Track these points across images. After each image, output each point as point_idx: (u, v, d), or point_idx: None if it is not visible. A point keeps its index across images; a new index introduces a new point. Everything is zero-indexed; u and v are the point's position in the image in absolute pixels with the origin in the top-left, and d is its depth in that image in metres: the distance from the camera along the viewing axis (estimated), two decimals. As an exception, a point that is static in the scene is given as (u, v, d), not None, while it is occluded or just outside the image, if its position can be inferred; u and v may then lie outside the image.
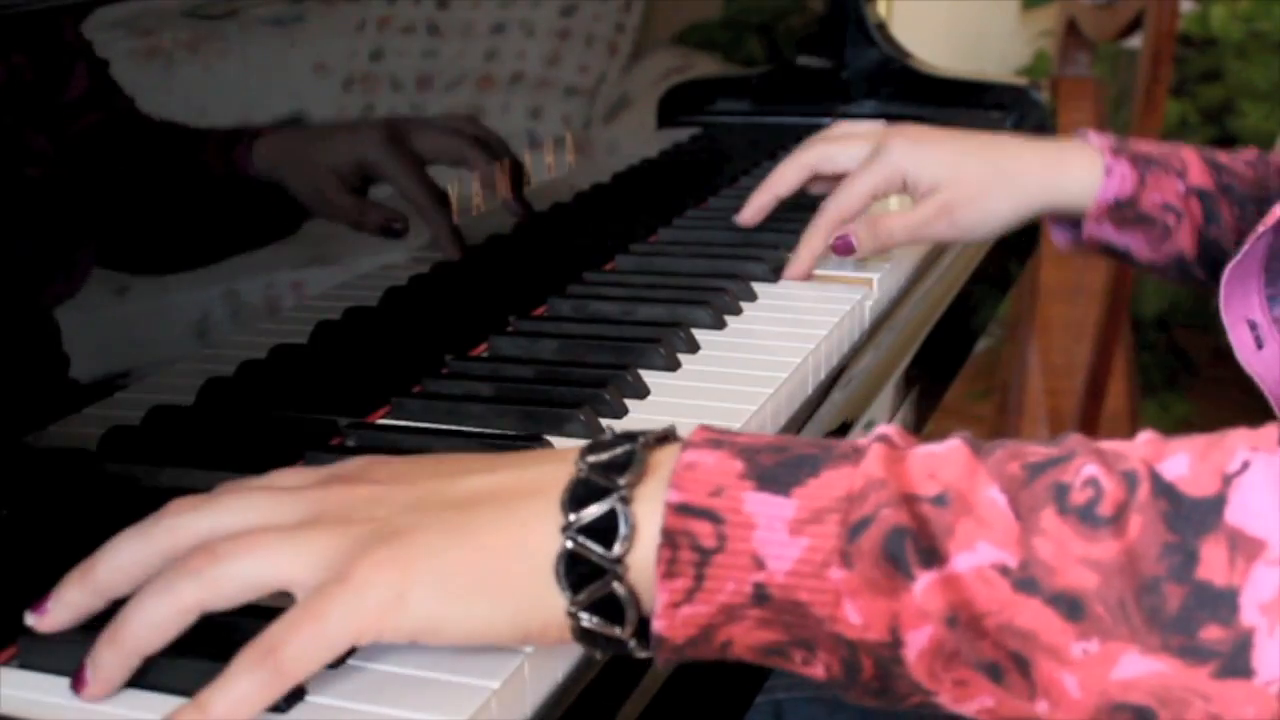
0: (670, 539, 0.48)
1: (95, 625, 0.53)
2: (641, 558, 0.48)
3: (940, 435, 0.51)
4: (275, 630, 0.47)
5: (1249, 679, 0.44)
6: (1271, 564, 0.44)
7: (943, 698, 0.48)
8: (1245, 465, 0.45)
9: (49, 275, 0.60)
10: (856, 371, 0.87)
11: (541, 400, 0.75)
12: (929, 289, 1.03)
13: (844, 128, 1.04)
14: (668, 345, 0.82)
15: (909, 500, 0.47)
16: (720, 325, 0.88)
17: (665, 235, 1.10)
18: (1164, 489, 0.46)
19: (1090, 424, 2.16)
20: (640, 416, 0.75)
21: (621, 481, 0.49)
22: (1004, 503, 0.47)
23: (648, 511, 0.48)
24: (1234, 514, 0.45)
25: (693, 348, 0.84)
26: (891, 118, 1.50)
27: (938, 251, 1.10)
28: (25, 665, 0.54)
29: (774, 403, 0.77)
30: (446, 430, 0.73)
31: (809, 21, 1.49)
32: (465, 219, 0.87)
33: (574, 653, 0.56)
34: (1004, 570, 0.46)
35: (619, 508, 0.48)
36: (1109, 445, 0.48)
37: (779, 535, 0.47)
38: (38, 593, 0.54)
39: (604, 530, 0.48)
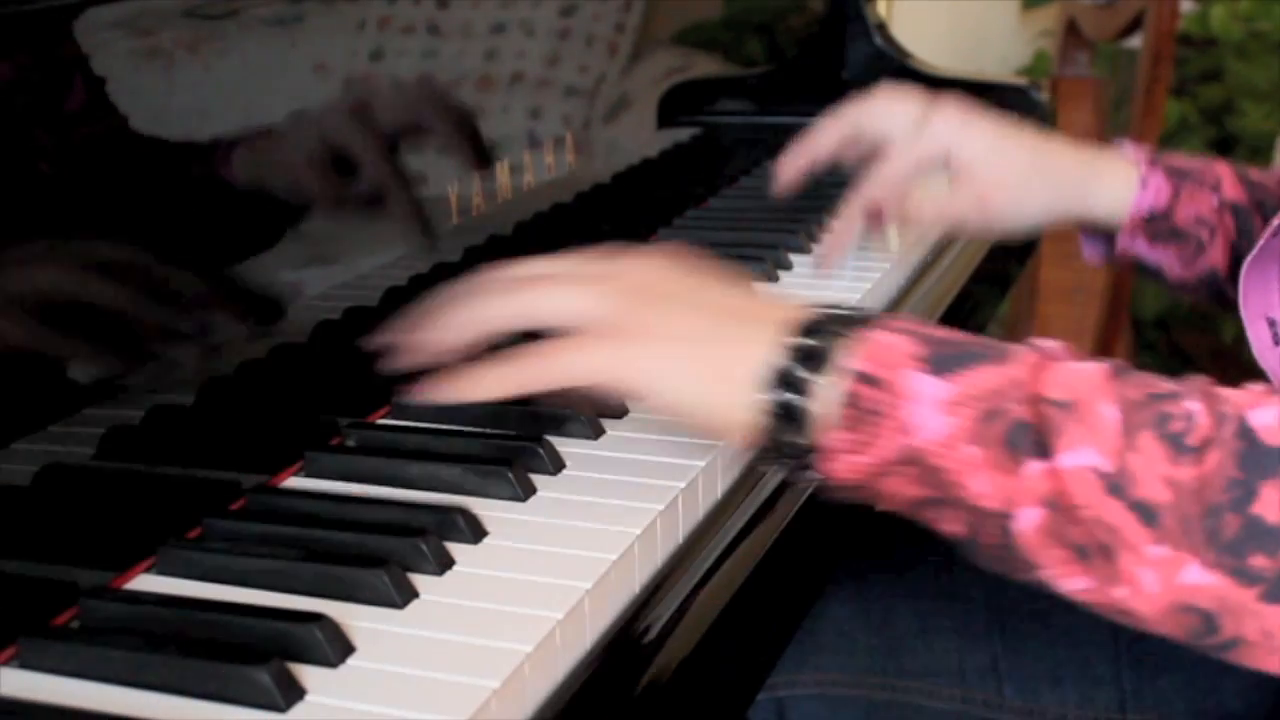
0: (848, 399, 0.57)
1: (96, 629, 0.54)
2: (824, 396, 0.58)
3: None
4: (550, 344, 0.62)
5: None
6: None
7: (1048, 573, 0.56)
8: None
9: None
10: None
11: (543, 400, 0.75)
12: (929, 289, 1.03)
13: (887, 87, 1.00)
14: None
15: (1038, 400, 0.55)
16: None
17: (665, 235, 1.10)
18: (1245, 433, 0.53)
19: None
20: (640, 417, 0.75)
21: (835, 331, 0.58)
22: (1115, 419, 0.54)
23: (843, 367, 0.58)
24: None
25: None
26: (892, 118, 1.50)
27: (937, 252, 1.10)
28: (25, 665, 0.54)
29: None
30: (446, 430, 0.73)
31: (809, 21, 1.49)
32: (465, 219, 0.87)
33: (574, 652, 0.56)
34: (1100, 474, 0.54)
35: (828, 348, 0.58)
36: (1222, 389, 0.55)
37: (930, 411, 0.56)
38: (38, 592, 0.54)
39: (808, 359, 0.58)
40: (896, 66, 1.52)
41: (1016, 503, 0.55)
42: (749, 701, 0.70)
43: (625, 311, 0.62)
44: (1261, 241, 0.83)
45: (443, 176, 0.85)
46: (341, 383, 0.77)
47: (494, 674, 0.51)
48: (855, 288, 0.95)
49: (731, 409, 0.60)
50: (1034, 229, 0.96)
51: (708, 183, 1.23)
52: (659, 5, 1.14)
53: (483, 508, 0.64)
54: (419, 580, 0.58)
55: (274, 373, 0.72)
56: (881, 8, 1.56)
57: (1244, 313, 0.85)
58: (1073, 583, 0.56)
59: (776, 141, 1.38)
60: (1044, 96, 1.48)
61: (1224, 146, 2.86)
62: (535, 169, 0.95)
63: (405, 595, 0.57)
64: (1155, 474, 0.53)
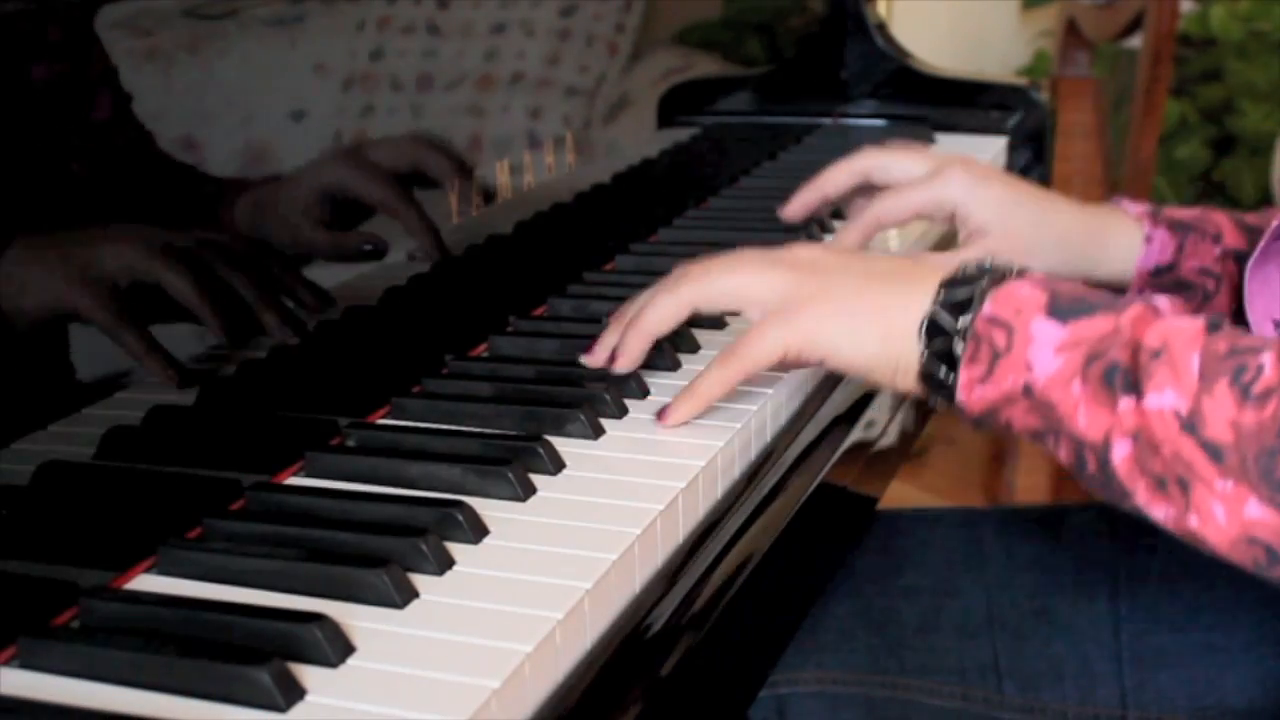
0: (976, 337, 0.66)
1: (95, 629, 0.54)
2: (967, 338, 0.67)
3: (941, 433, 0.53)
4: (738, 343, 0.71)
5: None
6: None
7: (1139, 499, 0.62)
8: None
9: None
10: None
11: (541, 400, 0.75)
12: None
13: (901, 143, 1.02)
14: (668, 345, 0.82)
15: (1135, 346, 0.62)
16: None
17: (665, 235, 1.10)
18: None
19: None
20: (640, 416, 0.75)
21: (982, 283, 0.67)
22: (1196, 366, 0.60)
23: (981, 313, 0.66)
24: None
25: (693, 347, 0.84)
26: (891, 118, 1.51)
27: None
28: (25, 665, 0.54)
29: (774, 401, 0.77)
30: (446, 430, 0.73)
31: (809, 21, 1.49)
32: (465, 219, 0.87)
33: (574, 652, 0.56)
34: (1177, 414, 0.60)
35: (972, 297, 0.67)
36: None
37: (1047, 351, 0.64)
38: (38, 592, 0.54)
39: (960, 307, 0.67)
40: (896, 66, 1.52)
41: (1112, 435, 0.62)
42: (750, 700, 0.70)
43: (795, 286, 0.71)
44: (1262, 244, 0.83)
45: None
46: (341, 383, 0.78)
47: (494, 674, 0.51)
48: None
49: (900, 359, 0.69)
50: None
51: (708, 183, 1.23)
52: (659, 5, 1.14)
53: (483, 508, 0.64)
54: (419, 580, 0.58)
55: (274, 373, 0.72)
56: (881, 8, 1.57)
57: (1250, 315, 0.85)
58: (1158, 510, 0.62)
59: (776, 142, 1.38)
60: (1044, 96, 1.48)
61: (1224, 146, 2.86)
62: (535, 169, 0.95)
63: (405, 595, 0.57)
64: (1223, 417, 0.59)
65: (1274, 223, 0.83)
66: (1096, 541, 0.96)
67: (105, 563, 0.60)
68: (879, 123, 1.51)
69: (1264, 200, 2.73)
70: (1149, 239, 0.94)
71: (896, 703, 0.93)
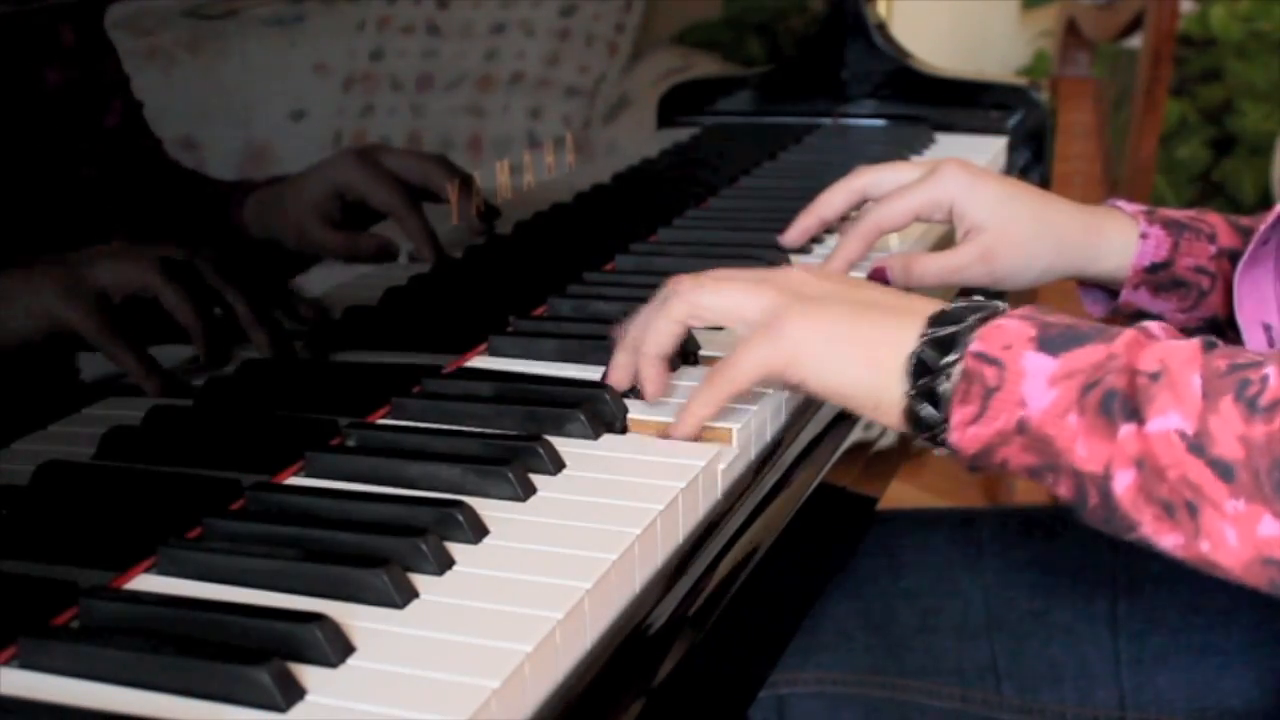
0: (967, 375, 0.64)
1: (95, 629, 0.54)
2: (955, 376, 0.65)
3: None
4: (724, 362, 0.70)
5: None
6: None
7: (1145, 530, 0.61)
8: None
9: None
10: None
11: (542, 400, 0.75)
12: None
13: (895, 161, 1.03)
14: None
15: (1132, 372, 0.61)
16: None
17: (665, 235, 1.10)
18: None
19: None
20: (639, 416, 0.75)
21: (968, 320, 0.66)
22: (1198, 386, 0.59)
23: (969, 350, 0.64)
24: None
25: (693, 347, 0.84)
26: (891, 118, 1.51)
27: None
28: (25, 665, 0.54)
29: (774, 401, 0.77)
30: (446, 430, 0.73)
31: (809, 21, 1.49)
32: (465, 219, 0.87)
33: (574, 652, 0.56)
34: (1183, 435, 0.59)
35: (960, 336, 0.65)
36: None
37: (1040, 385, 0.63)
38: (38, 592, 0.54)
39: (945, 346, 0.65)
40: (896, 66, 1.52)
41: (1113, 465, 0.61)
42: (749, 700, 0.70)
43: (783, 306, 0.70)
44: (1251, 249, 0.83)
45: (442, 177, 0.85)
46: (341, 383, 0.78)
47: (494, 674, 0.51)
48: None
49: (882, 392, 0.67)
50: (1036, 283, 0.97)
51: (708, 183, 1.23)
52: (659, 5, 1.14)
53: (483, 508, 0.64)
54: (419, 580, 0.58)
55: (274, 372, 0.72)
56: (881, 8, 1.57)
57: (1240, 318, 0.86)
58: (1166, 539, 0.61)
59: (776, 142, 1.38)
60: (1044, 97, 1.48)
61: (1224, 146, 2.86)
62: (535, 169, 0.95)
63: (405, 595, 0.57)
64: (1231, 433, 0.58)
65: (1261, 227, 0.83)
66: (1095, 543, 0.96)
67: (105, 563, 0.60)
68: (879, 123, 1.51)
69: (1264, 200, 2.73)
70: (1145, 236, 0.94)
71: (895, 704, 0.93)
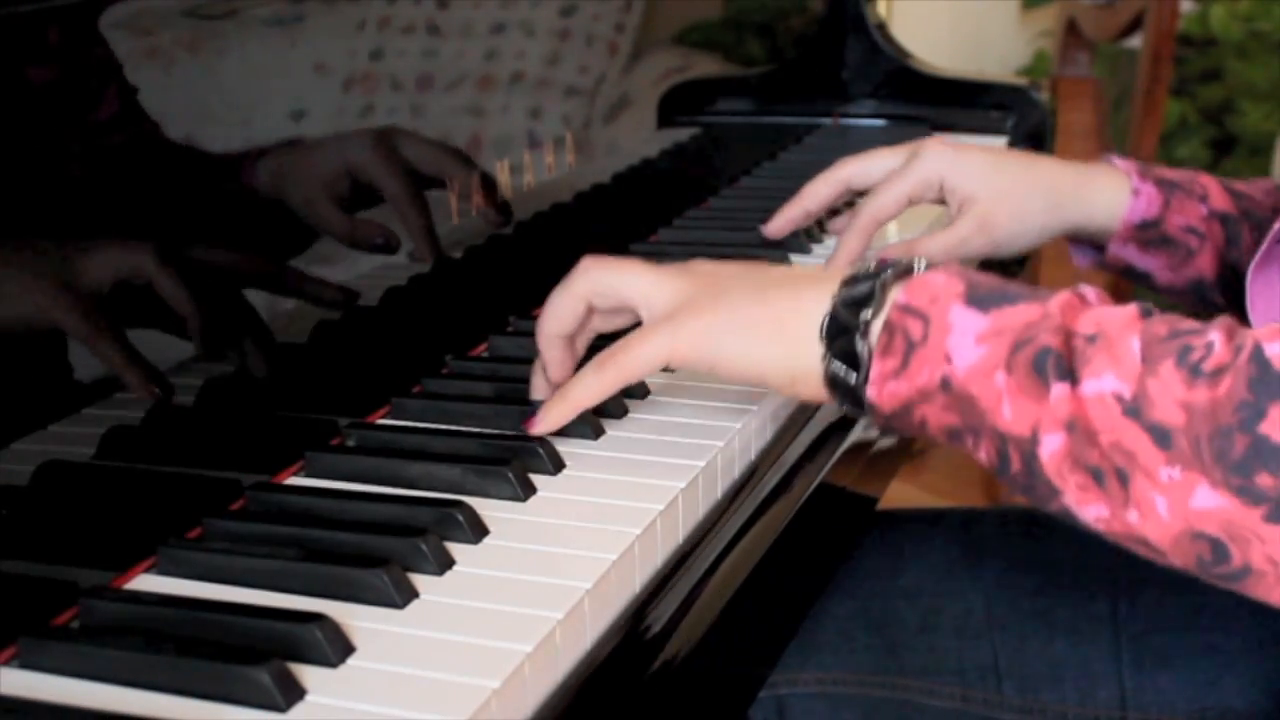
0: (889, 328, 0.62)
1: (95, 629, 0.54)
2: (874, 331, 0.62)
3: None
4: (617, 345, 0.67)
5: None
6: None
7: (1068, 499, 0.58)
8: None
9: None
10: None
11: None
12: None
13: (876, 150, 1.02)
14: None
15: (1068, 333, 0.59)
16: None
17: (665, 235, 1.10)
18: (1259, 359, 0.54)
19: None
20: (639, 416, 0.75)
21: (881, 277, 0.63)
22: (1137, 349, 0.57)
23: (890, 302, 0.62)
24: None
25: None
26: (891, 118, 1.51)
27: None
28: (25, 665, 0.54)
29: (774, 401, 0.77)
30: (446, 430, 0.73)
31: (809, 21, 1.49)
32: (465, 219, 0.87)
33: (574, 652, 0.56)
34: (1119, 398, 0.56)
35: (877, 291, 0.63)
36: (1248, 329, 0.57)
37: (967, 341, 0.60)
38: (38, 592, 0.54)
39: (860, 303, 0.63)
40: (896, 66, 1.52)
41: (1041, 428, 0.58)
42: (750, 701, 0.70)
43: (687, 293, 0.68)
44: (1264, 247, 0.84)
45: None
46: (341, 383, 0.78)
47: (494, 674, 0.51)
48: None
49: (797, 363, 0.65)
50: (1036, 243, 0.97)
51: (708, 183, 1.23)
52: (659, 5, 1.14)
53: (483, 508, 0.64)
54: (419, 580, 0.58)
55: (274, 372, 0.72)
56: (881, 8, 1.57)
57: (1251, 317, 0.86)
58: (1090, 510, 0.58)
59: (776, 142, 1.38)
60: (1044, 97, 1.48)
61: (1224, 146, 2.86)
62: (535, 169, 0.95)
63: (405, 595, 0.57)
64: (1171, 397, 0.55)
65: (1276, 225, 0.83)
66: (1097, 543, 0.96)
67: (105, 563, 0.60)
68: (879, 123, 1.51)
69: (1264, 200, 2.72)
70: (1136, 192, 0.95)
71: (896, 703, 0.93)
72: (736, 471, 0.72)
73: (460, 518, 0.62)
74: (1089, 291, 0.62)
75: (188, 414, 0.67)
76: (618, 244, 1.05)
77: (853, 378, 0.63)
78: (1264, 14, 2.86)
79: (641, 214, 1.11)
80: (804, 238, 1.04)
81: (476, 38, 0.90)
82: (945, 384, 0.60)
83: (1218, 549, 0.55)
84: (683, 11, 1.22)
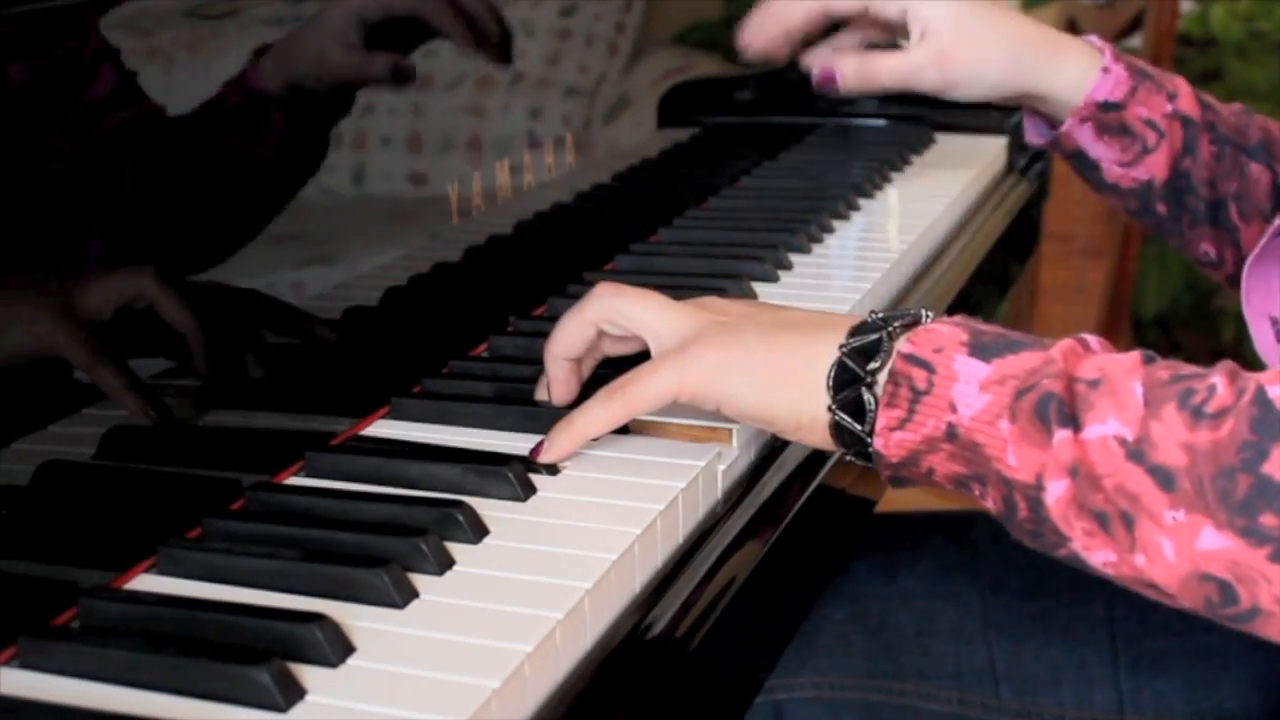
0: (894, 378, 0.62)
1: (95, 629, 0.54)
2: (880, 381, 0.63)
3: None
4: (626, 377, 0.67)
5: None
6: None
7: (1075, 545, 0.58)
8: None
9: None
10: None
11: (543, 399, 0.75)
12: (929, 289, 1.03)
13: None
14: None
15: (1070, 378, 0.58)
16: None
17: (665, 235, 1.10)
18: (1262, 401, 0.54)
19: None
20: (639, 417, 0.74)
21: (890, 328, 0.64)
22: (1140, 393, 0.57)
23: (895, 352, 0.63)
24: None
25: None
26: (891, 117, 1.50)
27: (937, 253, 1.10)
28: (25, 665, 0.54)
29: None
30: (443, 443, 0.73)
31: (809, 21, 1.49)
32: (465, 219, 0.87)
33: (574, 652, 0.56)
34: (1122, 441, 0.56)
35: (884, 341, 0.63)
36: (1251, 372, 0.57)
37: (971, 389, 0.60)
38: (38, 592, 0.54)
39: (867, 354, 0.63)
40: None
41: (1045, 474, 0.58)
42: (747, 704, 0.70)
43: (698, 328, 0.68)
44: (1264, 241, 0.84)
45: (443, 176, 0.85)
46: (342, 383, 0.78)
47: (494, 674, 0.51)
48: (855, 288, 0.95)
49: (804, 410, 0.65)
50: (990, 95, 0.96)
51: (708, 183, 1.23)
52: (659, 5, 1.14)
53: (483, 508, 0.64)
54: (419, 580, 0.58)
55: (274, 373, 0.72)
56: (881, 8, 1.56)
57: (1247, 312, 0.86)
58: (1098, 555, 0.58)
59: (776, 142, 1.38)
60: (1044, 97, 1.47)
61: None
62: (535, 169, 0.95)
63: (405, 595, 0.57)
64: (1174, 440, 0.55)
65: (1276, 222, 0.83)
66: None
67: (105, 563, 0.60)
68: (879, 122, 1.51)
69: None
70: (1106, 70, 0.93)
71: (893, 708, 0.93)
72: (737, 472, 0.72)
73: (460, 518, 0.62)
74: (1091, 339, 0.62)
75: (187, 414, 0.67)
76: (618, 244, 1.05)
77: (858, 428, 0.63)
78: (1264, 14, 2.86)
79: (641, 214, 1.11)
80: (803, 237, 1.04)
81: (477, 38, 0.90)
82: (951, 433, 0.61)
83: (1225, 590, 0.55)
84: (683, 11, 1.22)
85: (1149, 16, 2.11)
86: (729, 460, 0.71)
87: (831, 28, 1.04)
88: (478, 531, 0.62)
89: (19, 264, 0.58)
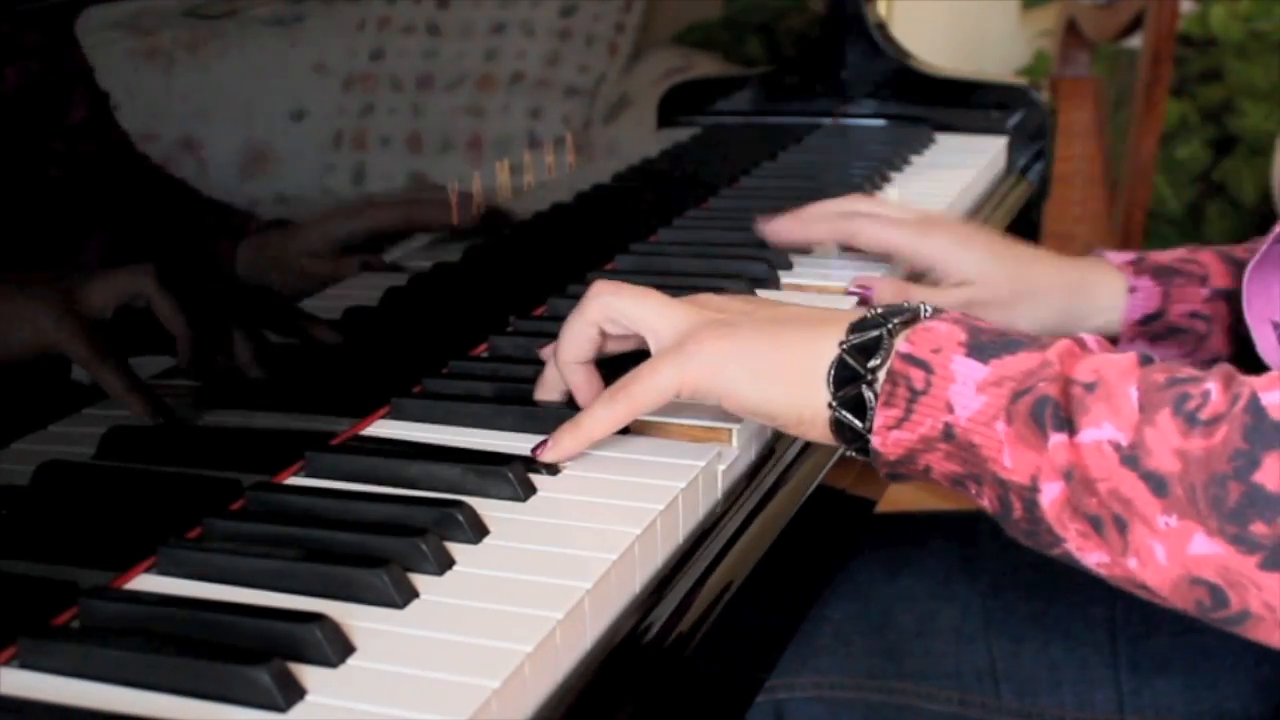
0: (892, 377, 0.62)
1: (95, 629, 0.54)
2: (880, 380, 0.63)
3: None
4: (627, 377, 0.68)
5: None
6: None
7: (1069, 545, 0.59)
8: None
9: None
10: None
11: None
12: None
13: (889, 204, 1.02)
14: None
15: (1066, 381, 0.59)
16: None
17: (665, 235, 1.10)
18: (1255, 409, 0.55)
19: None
20: (639, 417, 0.74)
21: (889, 325, 0.64)
22: (1135, 398, 0.57)
23: (894, 351, 0.63)
24: None
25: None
26: (891, 118, 1.51)
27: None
28: (25, 665, 0.54)
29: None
30: (444, 441, 0.73)
31: (809, 21, 1.49)
32: (465, 219, 0.87)
33: (574, 652, 0.56)
34: (1116, 446, 0.56)
35: (884, 339, 0.63)
36: (1245, 376, 0.57)
37: (968, 390, 0.61)
38: (38, 592, 0.54)
39: (868, 351, 0.64)
40: (896, 66, 1.52)
41: (1041, 476, 0.58)
42: (748, 704, 0.70)
43: (698, 325, 0.68)
44: (1263, 249, 0.84)
45: (443, 176, 0.85)
46: (342, 382, 0.78)
47: (494, 674, 0.51)
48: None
49: (805, 405, 0.65)
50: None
51: (708, 183, 1.23)
52: (659, 5, 1.14)
53: (483, 508, 0.64)
54: (419, 580, 0.58)
55: (274, 373, 0.72)
56: (881, 8, 1.57)
57: (1248, 317, 0.86)
58: (1092, 556, 0.59)
59: (776, 142, 1.38)
60: (1044, 97, 1.48)
61: (1224, 146, 2.86)
62: (535, 169, 0.95)
63: (405, 595, 0.57)
64: (1167, 446, 0.56)
65: (1276, 228, 0.83)
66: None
67: (105, 563, 0.60)
68: (879, 123, 1.51)
69: (1264, 200, 2.73)
70: (1133, 290, 0.94)
71: (893, 707, 0.93)
72: (736, 472, 0.72)
73: (460, 517, 0.62)
74: (1090, 339, 0.62)
75: (188, 414, 0.67)
76: (618, 244, 1.05)
77: (858, 425, 0.64)
78: (1264, 14, 2.86)
79: (641, 214, 1.11)
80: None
81: (476, 38, 0.90)
82: (948, 433, 0.61)
83: (1216, 594, 0.55)
84: (683, 11, 1.22)
85: (1149, 16, 2.11)
86: (729, 460, 0.71)
87: None
88: (478, 531, 0.62)
89: (21, 261, 0.58)
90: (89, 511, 0.62)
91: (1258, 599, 0.55)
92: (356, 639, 0.54)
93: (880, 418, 0.63)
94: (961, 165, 1.31)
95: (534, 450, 0.68)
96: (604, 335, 0.72)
